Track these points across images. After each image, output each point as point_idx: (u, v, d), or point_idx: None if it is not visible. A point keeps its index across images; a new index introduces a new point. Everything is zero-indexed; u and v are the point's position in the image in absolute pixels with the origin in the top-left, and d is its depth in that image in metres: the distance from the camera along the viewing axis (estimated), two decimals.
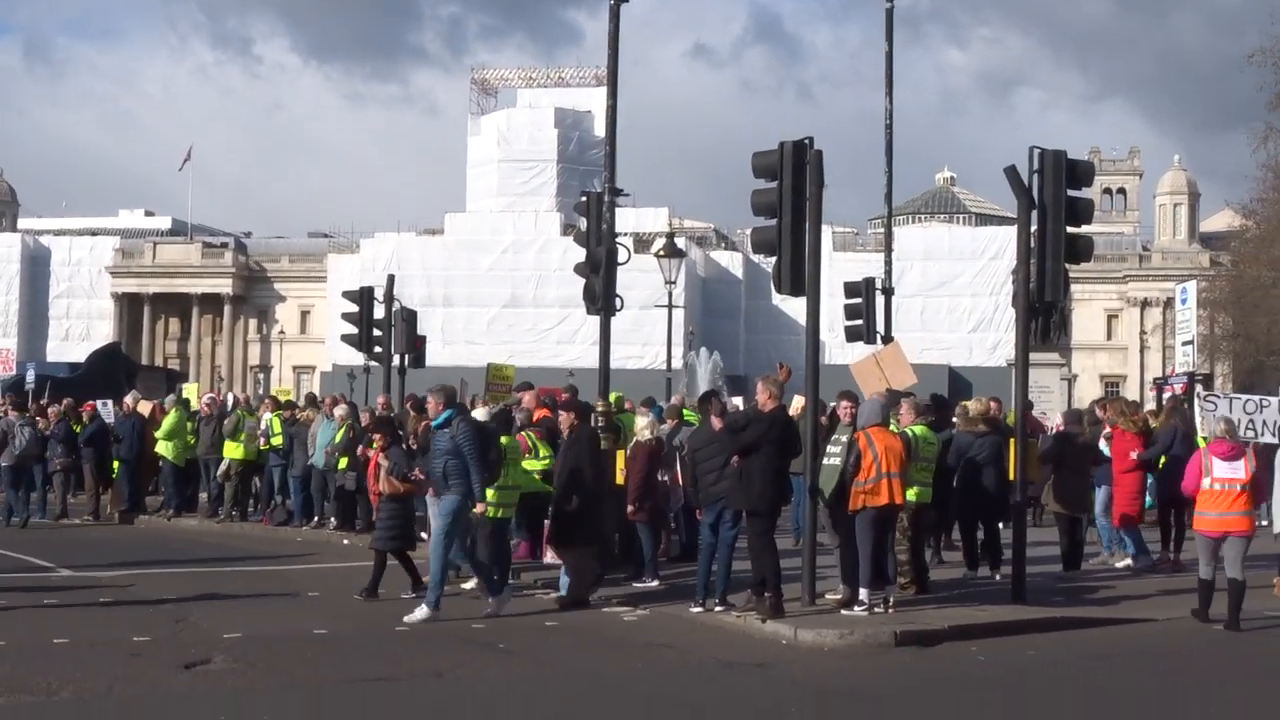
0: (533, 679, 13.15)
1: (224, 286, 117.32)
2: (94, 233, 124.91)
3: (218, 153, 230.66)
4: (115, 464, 29.26)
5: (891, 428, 17.24)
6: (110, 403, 31.77)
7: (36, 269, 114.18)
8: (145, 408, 30.22)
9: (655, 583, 18.59)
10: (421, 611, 15.92)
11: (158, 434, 28.28)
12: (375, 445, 18.90)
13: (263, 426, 27.32)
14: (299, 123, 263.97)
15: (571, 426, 17.95)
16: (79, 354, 76.06)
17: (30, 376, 48.00)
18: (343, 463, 24.63)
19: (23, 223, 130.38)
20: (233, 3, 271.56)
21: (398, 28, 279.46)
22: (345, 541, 24.13)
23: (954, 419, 20.67)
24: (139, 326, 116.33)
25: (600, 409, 20.52)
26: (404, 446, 19.27)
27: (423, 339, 34.84)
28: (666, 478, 20.10)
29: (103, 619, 15.85)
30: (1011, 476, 18.06)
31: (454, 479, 16.27)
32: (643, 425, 19.69)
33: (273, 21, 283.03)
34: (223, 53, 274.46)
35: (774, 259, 17.04)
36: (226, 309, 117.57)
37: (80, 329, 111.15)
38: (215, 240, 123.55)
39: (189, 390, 41.65)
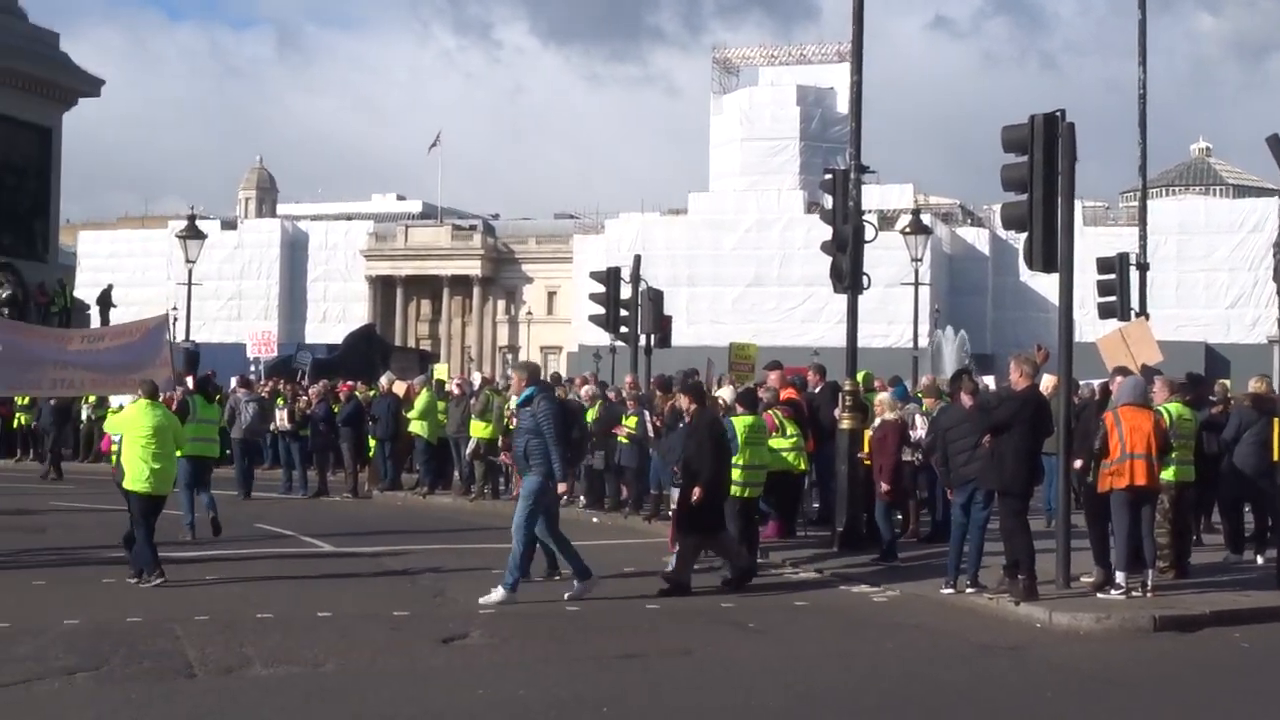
0: (782, 658, 13.14)
1: (473, 268, 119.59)
2: (349, 217, 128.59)
3: (464, 136, 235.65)
4: (371, 442, 30.09)
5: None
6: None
7: (295, 253, 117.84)
8: (400, 388, 30.96)
9: (894, 563, 18.46)
10: (498, 593, 15.45)
11: (410, 414, 28.98)
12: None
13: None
14: (541, 105, 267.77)
15: (690, 411, 17.56)
16: (336, 336, 78.24)
17: (304, 359, 49.76)
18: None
19: (282, 209, 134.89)
20: None
21: (635, 8, 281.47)
22: (595, 520, 24.42)
23: (1212, 396, 20.09)
24: (392, 308, 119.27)
25: (848, 388, 20.41)
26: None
27: (669, 319, 35.02)
28: (913, 457, 19.94)
29: (363, 593, 16.29)
30: (1276, 457, 17.46)
31: (535, 459, 15.84)
32: (884, 403, 19.49)
33: (512, 6, 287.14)
34: (464, 38, 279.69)
35: (1024, 235, 16.73)
36: (475, 290, 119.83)
37: (337, 311, 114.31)
38: (464, 223, 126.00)
39: (439, 370, 42.51)
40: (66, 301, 48.00)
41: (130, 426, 17.17)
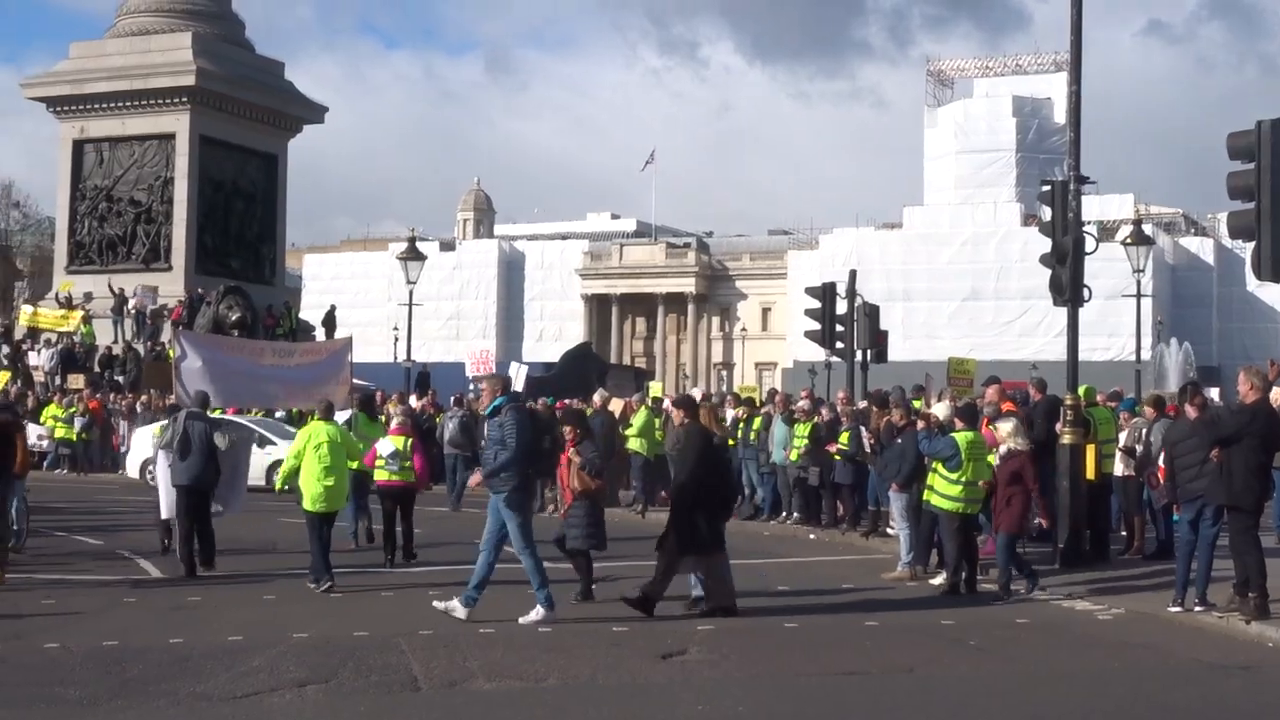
0: (1005, 677, 12.95)
1: (687, 285, 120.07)
2: (564, 237, 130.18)
3: (675, 154, 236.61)
4: None
5: None
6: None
7: (512, 273, 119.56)
8: (616, 405, 31.21)
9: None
10: (537, 613, 15.18)
11: (628, 431, 29.22)
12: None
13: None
14: (749, 122, 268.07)
15: (681, 423, 17.05)
16: (552, 354, 79.22)
17: (520, 374, 50.63)
18: (794, 455, 25.02)
19: (499, 229, 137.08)
20: (677, 9, 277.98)
21: (840, 23, 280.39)
22: (811, 536, 24.33)
23: None
24: (608, 326, 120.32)
25: (1069, 403, 20.05)
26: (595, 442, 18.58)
27: (884, 333, 34.83)
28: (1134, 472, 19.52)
29: (585, 609, 16.43)
30: None
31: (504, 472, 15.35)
32: (1007, 431, 18.14)
33: (716, 25, 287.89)
34: (670, 58, 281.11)
35: (1251, 244, 16.27)
36: (690, 307, 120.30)
37: (553, 329, 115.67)
38: (678, 240, 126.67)
39: (655, 388, 42.80)
40: (292, 323, 49.46)
41: (305, 444, 18.02)
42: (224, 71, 50.62)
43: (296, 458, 18.17)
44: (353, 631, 14.52)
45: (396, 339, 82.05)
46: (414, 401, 34.93)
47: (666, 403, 31.04)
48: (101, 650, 13.52)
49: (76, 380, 43.94)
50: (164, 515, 20.22)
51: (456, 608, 15.11)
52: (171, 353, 30.17)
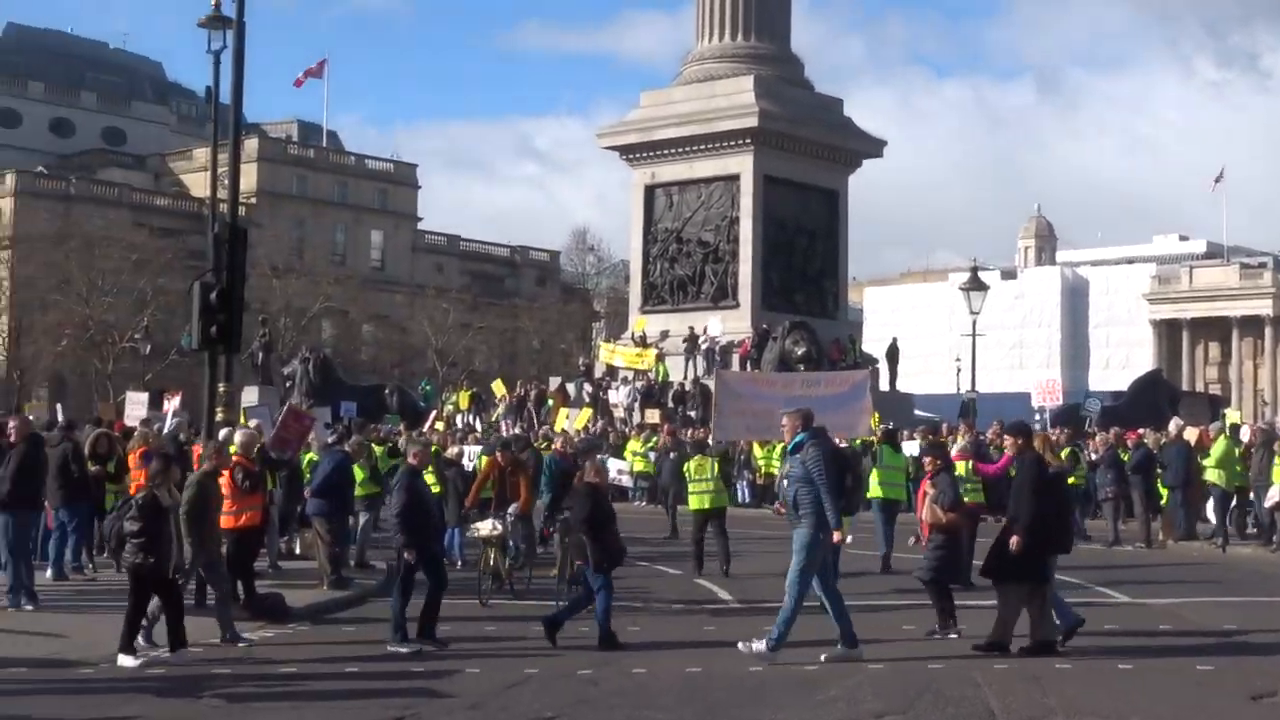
0: None
1: (1263, 308, 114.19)
2: (1129, 261, 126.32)
3: (1243, 170, 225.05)
4: (1163, 490, 29.35)
5: None
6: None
7: (1076, 300, 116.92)
8: (1190, 434, 30.07)
9: None
10: (758, 645, 14.76)
11: (1206, 461, 28.09)
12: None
13: None
14: None
15: (1018, 450, 15.99)
16: (1120, 382, 76.83)
17: (1093, 405, 49.89)
18: None
19: (1061, 255, 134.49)
20: (1235, 18, 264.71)
21: None
22: None
23: None
24: (1178, 352, 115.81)
25: None
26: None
27: None
28: None
29: (1165, 647, 15.91)
30: None
31: (804, 508, 14.81)
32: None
33: (1277, 34, 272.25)
34: (1228, 70, 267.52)
35: None
36: (1267, 331, 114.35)
37: (1119, 357, 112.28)
38: (1252, 261, 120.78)
39: (1231, 415, 40.96)
40: (855, 356, 50.04)
41: None
42: (785, 111, 51.83)
43: None
44: (927, 663, 14.56)
45: (959, 370, 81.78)
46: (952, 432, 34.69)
47: (1245, 431, 29.72)
48: (685, 677, 14.08)
49: (653, 415, 45.82)
50: None
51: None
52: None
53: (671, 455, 33.95)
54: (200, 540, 16.01)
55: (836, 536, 14.91)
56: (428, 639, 15.88)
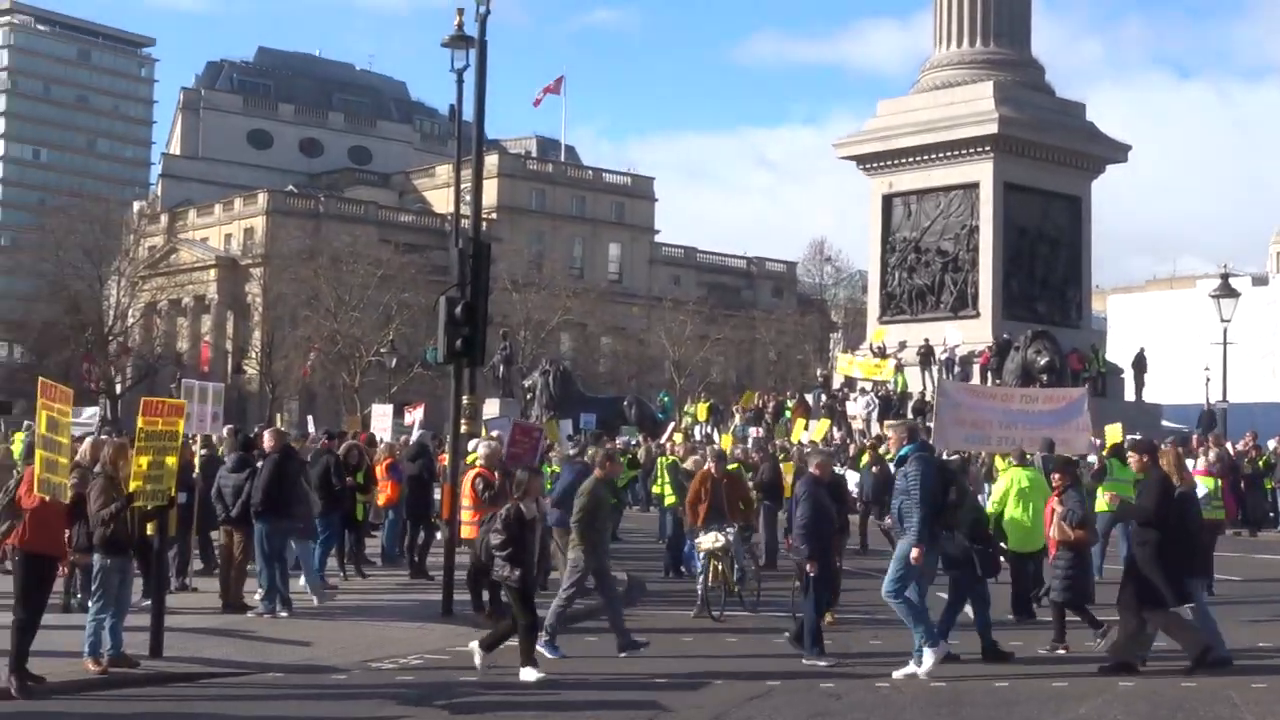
0: None
1: None
2: None
3: None
4: None
5: None
6: None
7: None
8: None
9: None
10: (929, 661, 14.57)
11: None
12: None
13: None
14: None
15: (1142, 467, 15.67)
16: None
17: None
18: None
19: None
20: None
21: None
22: None
23: None
24: None
25: None
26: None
27: None
28: None
29: None
30: None
31: (907, 521, 14.78)
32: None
33: None
34: None
35: None
36: None
37: None
38: None
39: None
40: (1099, 366, 48.96)
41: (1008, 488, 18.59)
42: (1025, 117, 50.94)
43: (999, 503, 18.56)
44: (1181, 680, 14.16)
45: (1208, 379, 79.43)
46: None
47: None
48: (930, 690, 13.92)
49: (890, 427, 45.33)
50: None
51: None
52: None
53: None
54: (591, 547, 16.43)
55: (914, 554, 14.68)
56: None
